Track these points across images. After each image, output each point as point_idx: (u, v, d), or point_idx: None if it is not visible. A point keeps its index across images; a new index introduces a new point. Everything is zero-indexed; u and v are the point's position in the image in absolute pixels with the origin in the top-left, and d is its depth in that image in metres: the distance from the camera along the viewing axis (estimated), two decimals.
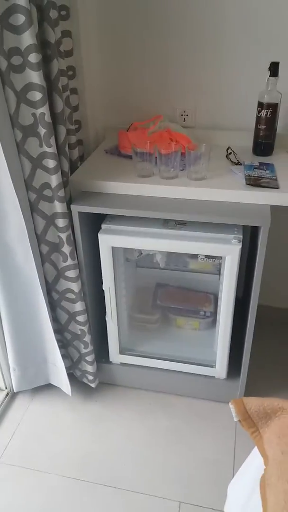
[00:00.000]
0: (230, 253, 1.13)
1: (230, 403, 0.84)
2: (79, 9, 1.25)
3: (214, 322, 1.46)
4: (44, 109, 1.02)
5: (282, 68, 1.24)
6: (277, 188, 1.12)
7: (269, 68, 1.23)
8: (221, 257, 1.19)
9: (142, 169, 1.22)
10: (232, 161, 1.30)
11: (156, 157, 1.22)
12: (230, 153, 1.34)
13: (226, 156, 1.34)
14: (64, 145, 1.16)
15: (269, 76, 1.23)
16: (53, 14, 1.04)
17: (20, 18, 0.92)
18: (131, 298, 1.51)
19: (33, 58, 0.97)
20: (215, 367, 1.39)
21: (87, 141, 1.46)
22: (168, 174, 1.21)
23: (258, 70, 1.32)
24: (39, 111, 1.02)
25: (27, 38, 0.95)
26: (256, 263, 1.13)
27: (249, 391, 1.44)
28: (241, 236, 1.14)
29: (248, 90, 1.37)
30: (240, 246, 1.12)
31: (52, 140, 1.06)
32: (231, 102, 1.41)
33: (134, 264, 1.51)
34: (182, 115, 1.47)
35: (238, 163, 1.28)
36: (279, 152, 1.36)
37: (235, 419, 0.82)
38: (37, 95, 1.00)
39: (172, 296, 1.50)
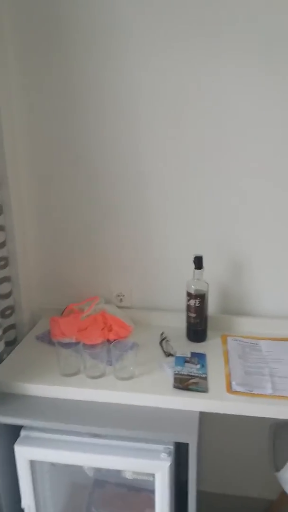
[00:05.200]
0: (159, 470, 1.02)
1: None
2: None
3: None
4: None
5: (207, 256, 1.29)
6: (205, 392, 1.06)
7: (194, 262, 1.28)
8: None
9: (66, 367, 1.16)
10: (164, 351, 1.26)
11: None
12: (164, 338, 1.32)
13: (160, 343, 1.30)
14: None
15: (194, 268, 1.28)
16: None
17: None
18: (63, 504, 1.32)
19: None
20: None
21: (20, 324, 1.42)
22: (94, 372, 1.15)
23: (187, 257, 1.37)
24: None
25: None
26: (189, 479, 1.01)
27: None
28: (172, 448, 1.04)
29: (177, 274, 1.40)
30: (170, 463, 1.01)
31: None
32: (165, 284, 1.44)
33: None
34: (118, 295, 1.48)
35: (169, 355, 1.24)
36: (213, 337, 1.34)
37: None
38: None
39: (110, 501, 1.32)
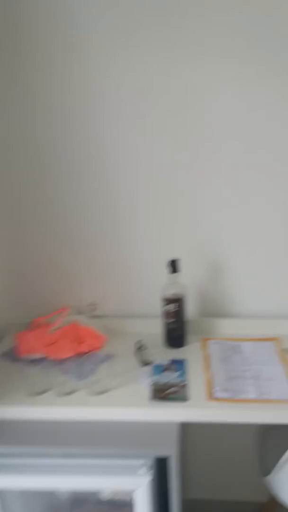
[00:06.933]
0: (139, 486, 0.93)
1: None
2: None
3: None
4: None
5: (183, 259, 1.23)
6: (185, 400, 0.99)
7: (168, 266, 1.20)
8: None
9: (34, 385, 1.06)
10: (140, 361, 1.18)
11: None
12: (140, 347, 1.24)
13: (135, 352, 1.22)
14: None
15: (170, 272, 1.20)
16: None
17: None
18: None
19: None
20: None
21: None
22: (64, 389, 1.06)
23: (163, 261, 1.30)
24: None
25: None
26: (171, 493, 0.93)
27: None
28: (151, 462, 0.95)
29: (153, 279, 1.33)
30: (150, 478, 0.93)
31: None
32: (140, 290, 1.37)
33: None
34: (90, 304, 1.39)
35: (147, 364, 1.16)
36: (193, 341, 1.27)
37: None
38: None
39: None
